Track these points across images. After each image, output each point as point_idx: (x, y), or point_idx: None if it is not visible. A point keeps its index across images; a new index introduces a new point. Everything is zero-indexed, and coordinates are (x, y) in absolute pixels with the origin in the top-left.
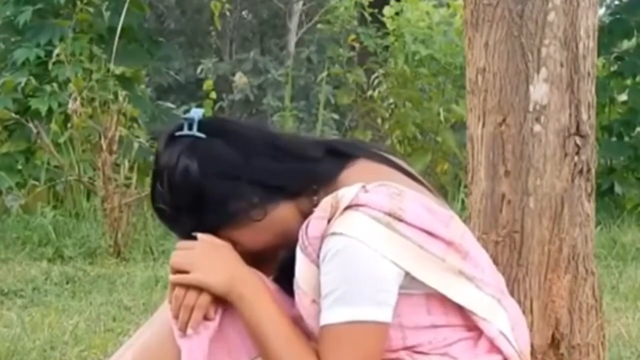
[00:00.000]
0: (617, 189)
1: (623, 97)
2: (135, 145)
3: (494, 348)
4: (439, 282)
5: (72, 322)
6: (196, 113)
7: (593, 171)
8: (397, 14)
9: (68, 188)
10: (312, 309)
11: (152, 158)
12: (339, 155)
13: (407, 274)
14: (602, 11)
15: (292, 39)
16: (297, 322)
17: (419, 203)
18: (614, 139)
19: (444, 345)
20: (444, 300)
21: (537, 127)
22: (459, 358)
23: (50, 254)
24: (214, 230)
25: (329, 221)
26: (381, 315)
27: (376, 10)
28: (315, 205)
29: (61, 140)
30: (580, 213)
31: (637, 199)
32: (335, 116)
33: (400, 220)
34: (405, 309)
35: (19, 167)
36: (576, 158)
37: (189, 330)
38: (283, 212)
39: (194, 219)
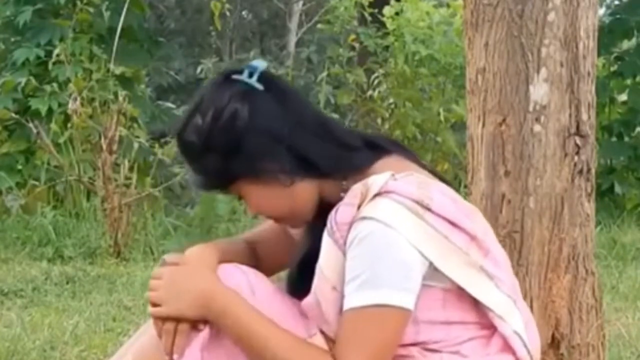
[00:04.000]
0: (617, 189)
1: (623, 97)
2: (135, 145)
3: (507, 348)
4: (460, 275)
5: (72, 322)
6: (260, 63)
7: (593, 171)
8: (397, 14)
9: (68, 188)
10: (331, 295)
11: (152, 158)
12: (374, 148)
13: (430, 264)
14: (602, 11)
15: (292, 39)
16: (302, 316)
17: (445, 194)
18: (614, 139)
19: (456, 343)
20: (461, 296)
21: (537, 127)
22: (470, 357)
23: (50, 254)
24: (233, 178)
25: (358, 208)
26: (405, 301)
27: (376, 10)
28: (344, 191)
29: (61, 140)
30: (580, 213)
31: (637, 199)
32: (336, 116)
33: (428, 209)
34: (421, 302)
35: (19, 167)
36: (576, 158)
37: (175, 356)
38: (305, 188)
39: (221, 161)
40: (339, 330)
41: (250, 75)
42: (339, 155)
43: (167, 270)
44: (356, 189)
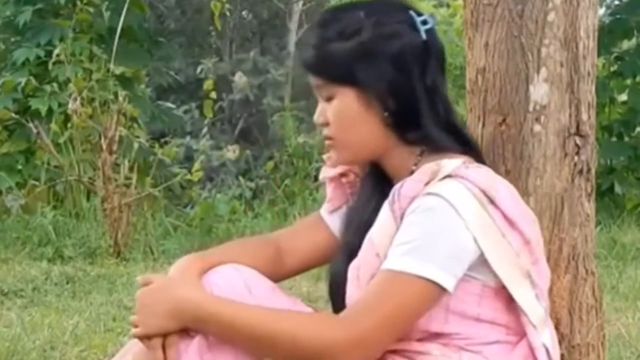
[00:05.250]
0: (617, 189)
1: (623, 97)
2: (135, 145)
3: (530, 358)
4: (506, 273)
5: (72, 322)
6: (435, 20)
7: (593, 171)
8: None
9: (68, 188)
10: (373, 261)
11: (152, 158)
12: (463, 143)
13: (481, 255)
14: (602, 11)
15: (292, 39)
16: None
17: (511, 193)
18: (614, 139)
19: (481, 342)
20: (497, 295)
21: (537, 127)
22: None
23: (50, 254)
24: (347, 79)
25: (425, 185)
26: (445, 281)
27: None
28: (415, 165)
29: (61, 140)
30: (580, 213)
31: (637, 199)
32: None
33: (492, 202)
34: (458, 293)
35: (19, 167)
36: (576, 158)
37: None
38: (386, 137)
39: (352, 57)
40: (368, 286)
41: (424, 22)
42: (441, 131)
43: (138, 293)
44: (427, 168)
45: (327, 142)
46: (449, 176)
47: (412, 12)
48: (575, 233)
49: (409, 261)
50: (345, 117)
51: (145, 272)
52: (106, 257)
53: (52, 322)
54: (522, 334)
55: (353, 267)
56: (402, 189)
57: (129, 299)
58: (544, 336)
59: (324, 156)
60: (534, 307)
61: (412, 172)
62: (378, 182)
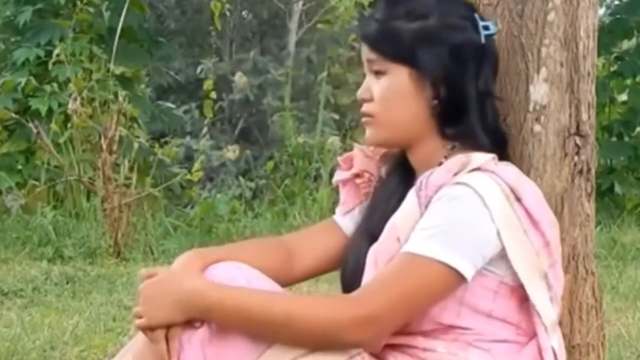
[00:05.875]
0: (617, 189)
1: (623, 97)
2: (135, 145)
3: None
4: (525, 272)
5: (72, 322)
6: (496, 29)
7: (593, 171)
8: None
9: (68, 188)
10: (392, 245)
11: (152, 158)
12: (501, 152)
13: (502, 249)
14: (602, 11)
15: (292, 39)
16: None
17: (537, 194)
18: (614, 139)
19: (490, 339)
20: (512, 294)
21: (537, 127)
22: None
23: (50, 254)
24: (406, 58)
25: (453, 176)
26: (465, 269)
27: None
28: (445, 158)
29: (61, 140)
30: (580, 213)
31: (637, 199)
32: (335, 116)
33: (518, 199)
34: (473, 287)
35: (19, 167)
36: (576, 158)
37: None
38: (427, 124)
39: (414, 38)
40: (386, 267)
41: (485, 28)
42: (485, 135)
43: (143, 285)
44: (457, 159)
45: (365, 119)
46: (478, 169)
47: (476, 15)
48: (575, 233)
49: (431, 245)
50: (394, 95)
51: None
52: (106, 257)
53: (52, 322)
54: (531, 336)
55: (372, 251)
56: (430, 178)
57: (129, 299)
58: (553, 340)
59: (339, 158)
60: (548, 309)
61: (440, 165)
62: (404, 175)
